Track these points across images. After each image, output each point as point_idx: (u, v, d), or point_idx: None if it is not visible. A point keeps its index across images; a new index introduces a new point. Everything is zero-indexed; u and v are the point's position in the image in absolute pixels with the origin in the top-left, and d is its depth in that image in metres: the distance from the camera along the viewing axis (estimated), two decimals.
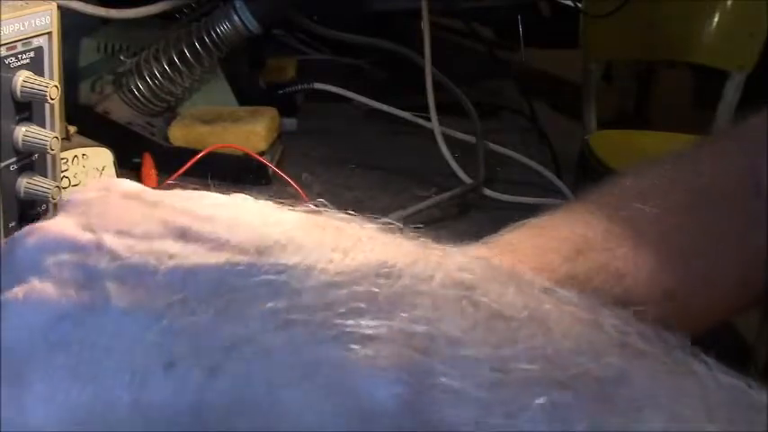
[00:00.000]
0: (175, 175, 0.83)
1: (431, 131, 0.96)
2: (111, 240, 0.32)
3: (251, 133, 0.90)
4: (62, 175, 0.68)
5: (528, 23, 1.32)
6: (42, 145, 0.59)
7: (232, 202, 0.34)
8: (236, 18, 0.92)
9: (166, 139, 0.92)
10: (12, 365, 0.32)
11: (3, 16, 0.56)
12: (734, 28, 1.84)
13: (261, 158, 0.88)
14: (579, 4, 1.39)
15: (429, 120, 0.97)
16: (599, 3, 1.50)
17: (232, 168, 0.90)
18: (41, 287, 0.32)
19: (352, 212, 0.33)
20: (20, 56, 0.58)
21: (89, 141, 0.75)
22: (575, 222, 0.54)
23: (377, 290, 0.28)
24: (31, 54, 0.59)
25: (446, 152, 0.94)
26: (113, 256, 0.32)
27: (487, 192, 0.91)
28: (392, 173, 0.96)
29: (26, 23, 0.58)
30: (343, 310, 0.28)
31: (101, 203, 0.35)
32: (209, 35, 0.93)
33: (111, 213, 0.34)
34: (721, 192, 0.56)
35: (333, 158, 0.98)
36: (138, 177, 0.87)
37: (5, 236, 0.60)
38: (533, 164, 0.98)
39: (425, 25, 0.97)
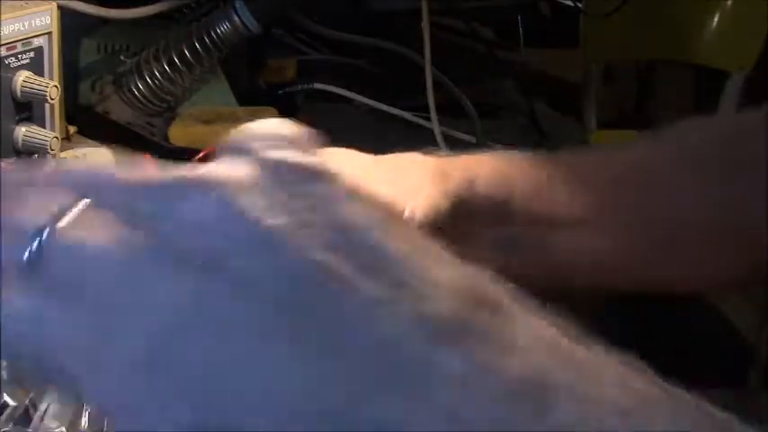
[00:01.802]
0: None
1: (431, 131, 0.96)
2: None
3: None
4: None
5: (528, 23, 1.32)
6: (42, 145, 0.59)
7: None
8: (235, 18, 0.92)
9: (166, 139, 0.92)
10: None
11: (3, 16, 0.56)
12: (734, 28, 1.83)
13: None
14: (579, 4, 1.39)
15: (429, 120, 0.96)
16: (599, 3, 1.49)
17: None
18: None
19: None
20: (20, 56, 0.58)
21: (89, 141, 0.75)
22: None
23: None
24: (31, 54, 0.59)
25: (446, 152, 0.94)
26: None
27: None
28: None
29: (26, 23, 0.58)
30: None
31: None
32: (209, 35, 0.93)
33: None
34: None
35: None
36: None
37: None
38: None
39: (425, 25, 0.97)
